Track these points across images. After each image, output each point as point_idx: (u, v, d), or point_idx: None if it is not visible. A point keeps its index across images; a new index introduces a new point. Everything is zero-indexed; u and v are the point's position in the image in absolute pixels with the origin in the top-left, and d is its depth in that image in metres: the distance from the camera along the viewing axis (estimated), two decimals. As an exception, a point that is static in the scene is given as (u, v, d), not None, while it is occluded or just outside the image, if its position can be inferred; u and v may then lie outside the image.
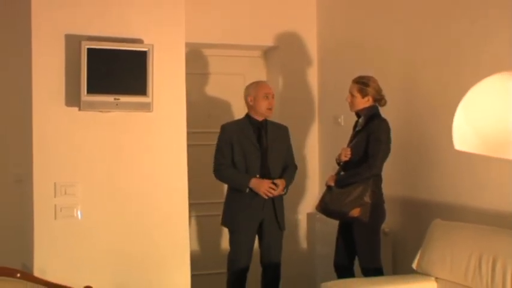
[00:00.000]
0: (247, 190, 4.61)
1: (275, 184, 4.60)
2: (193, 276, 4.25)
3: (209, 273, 5.42)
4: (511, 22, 3.83)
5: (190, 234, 4.26)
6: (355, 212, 4.29)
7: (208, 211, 5.54)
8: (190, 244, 4.27)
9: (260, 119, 4.75)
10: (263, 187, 4.57)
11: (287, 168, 4.78)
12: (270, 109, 4.74)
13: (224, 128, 4.78)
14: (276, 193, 4.60)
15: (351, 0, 5.51)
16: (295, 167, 4.89)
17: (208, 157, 4.97)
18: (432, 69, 4.53)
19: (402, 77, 4.81)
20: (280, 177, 4.68)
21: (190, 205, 4.28)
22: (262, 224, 4.69)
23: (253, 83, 4.84)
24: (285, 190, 4.69)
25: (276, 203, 4.67)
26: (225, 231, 5.00)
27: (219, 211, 5.09)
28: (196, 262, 4.71)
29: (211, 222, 5.55)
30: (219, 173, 4.74)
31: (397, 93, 4.76)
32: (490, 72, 1.51)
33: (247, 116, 4.79)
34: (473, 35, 4.14)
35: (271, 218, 4.67)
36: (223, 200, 4.94)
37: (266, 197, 4.59)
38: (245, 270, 4.71)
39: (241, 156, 4.68)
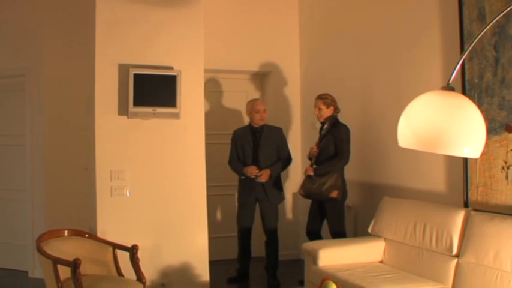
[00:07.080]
0: (243, 177, 4.68)
1: (259, 170, 4.61)
2: (209, 238, 4.28)
3: (221, 236, 5.43)
4: (439, 53, 3.84)
5: (208, 207, 4.28)
6: (334, 194, 4.29)
7: (221, 191, 5.50)
8: (208, 215, 4.29)
9: (256, 125, 4.75)
10: (249, 171, 4.62)
11: (278, 160, 4.74)
12: (261, 120, 4.72)
13: (234, 132, 4.85)
14: (260, 179, 4.61)
15: (324, 39, 5.50)
16: (287, 159, 4.79)
17: (222, 152, 4.98)
18: (382, 87, 4.52)
19: (360, 94, 4.80)
20: (268, 167, 4.65)
21: (208, 186, 4.29)
22: (258, 199, 4.73)
23: (250, 101, 4.84)
24: (269, 178, 4.64)
25: (265, 185, 4.66)
26: (234, 206, 5.02)
27: (230, 191, 5.10)
28: (212, 228, 4.74)
29: (224, 199, 5.54)
30: (230, 165, 4.81)
31: (356, 106, 4.77)
32: (424, 89, 1.55)
33: (249, 123, 4.82)
34: (412, 62, 4.13)
35: (263, 196, 4.69)
36: (232, 183, 4.98)
37: (255, 178, 4.62)
38: (247, 229, 4.78)
39: (241, 152, 4.73)
